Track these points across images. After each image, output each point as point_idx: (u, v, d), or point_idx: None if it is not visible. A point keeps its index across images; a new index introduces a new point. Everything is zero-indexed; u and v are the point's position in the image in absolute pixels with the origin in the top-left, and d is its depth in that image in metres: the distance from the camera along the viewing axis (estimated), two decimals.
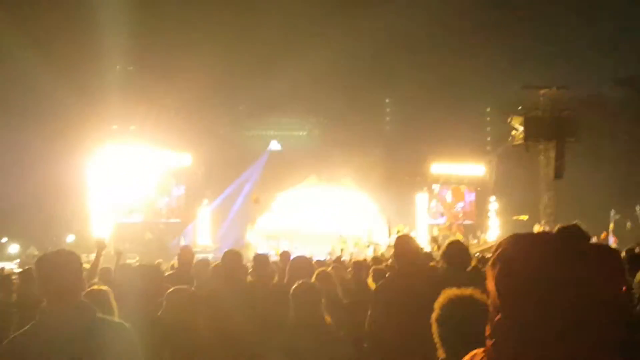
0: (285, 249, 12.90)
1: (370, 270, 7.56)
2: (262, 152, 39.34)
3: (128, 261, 15.79)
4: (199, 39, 33.54)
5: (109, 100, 30.58)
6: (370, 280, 7.11)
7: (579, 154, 33.09)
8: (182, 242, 30.05)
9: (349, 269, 9.07)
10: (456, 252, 4.98)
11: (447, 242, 5.39)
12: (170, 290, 4.70)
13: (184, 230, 33.41)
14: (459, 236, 25.46)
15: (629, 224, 30.01)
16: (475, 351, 1.63)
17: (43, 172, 30.09)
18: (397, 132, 40.97)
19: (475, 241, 33.86)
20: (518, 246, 1.46)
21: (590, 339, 1.32)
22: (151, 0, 35.59)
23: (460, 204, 40.00)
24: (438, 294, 2.89)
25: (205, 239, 33.79)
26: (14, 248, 30.43)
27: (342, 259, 13.67)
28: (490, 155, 39.44)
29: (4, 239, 30.63)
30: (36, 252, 25.56)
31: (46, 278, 3.09)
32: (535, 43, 37.99)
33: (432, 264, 6.43)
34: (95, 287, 4.27)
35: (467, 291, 2.85)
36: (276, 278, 6.78)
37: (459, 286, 4.26)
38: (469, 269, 4.92)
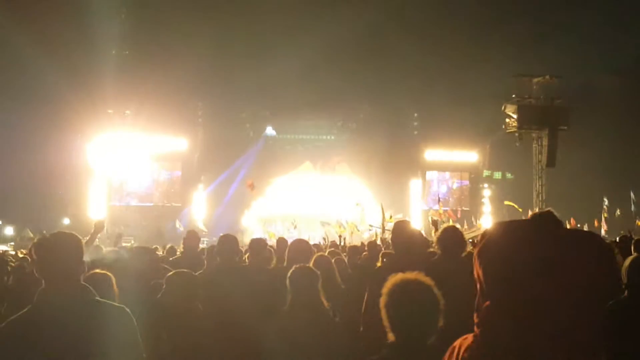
0: (280, 234, 12.96)
1: (381, 255, 7.51)
2: (258, 137, 39.22)
3: (124, 244, 15.89)
4: (195, 23, 33.29)
5: (104, 85, 30.40)
6: (380, 264, 7.05)
7: (571, 142, 33.18)
8: (178, 226, 30.11)
9: (345, 254, 9.16)
10: (451, 238, 4.98)
11: (441, 228, 5.41)
12: (171, 273, 4.68)
13: (180, 214, 33.41)
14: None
15: (618, 211, 30.20)
16: (466, 336, 1.65)
17: (38, 156, 30.00)
18: (391, 118, 40.90)
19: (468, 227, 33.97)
20: (499, 234, 1.53)
21: (572, 320, 1.39)
22: None
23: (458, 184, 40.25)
24: (434, 279, 2.92)
25: (200, 223, 33.81)
26: (9, 230, 30.41)
27: (339, 244, 13.75)
28: (484, 142, 39.50)
29: None
30: (31, 235, 25.58)
31: (45, 260, 3.03)
32: (529, 31, 37.88)
33: (430, 249, 6.45)
34: (98, 271, 4.28)
35: (413, 275, 2.88)
36: (274, 261, 6.76)
37: (454, 272, 4.37)
38: (463, 254, 4.95)
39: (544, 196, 35.33)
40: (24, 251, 12.85)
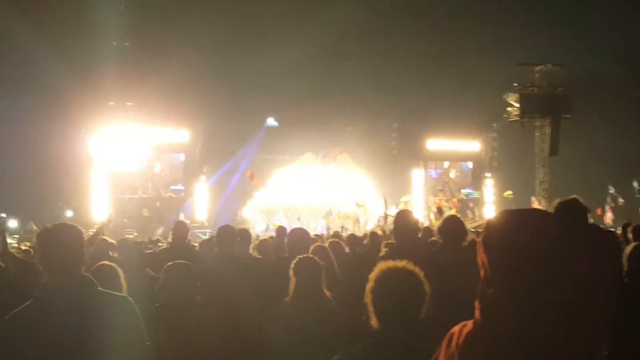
0: (282, 225, 12.94)
1: (383, 244, 7.47)
2: (260, 128, 39.17)
3: (126, 236, 15.93)
4: (196, 14, 33.26)
5: (105, 76, 30.39)
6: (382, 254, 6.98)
7: (574, 131, 33.14)
8: (182, 218, 30.15)
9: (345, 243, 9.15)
10: (452, 227, 4.97)
11: (443, 217, 5.40)
12: (169, 264, 4.66)
13: (183, 206, 33.45)
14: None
15: (621, 200, 30.19)
16: (465, 322, 1.67)
17: (40, 148, 30.03)
18: (392, 108, 40.84)
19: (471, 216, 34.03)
20: (504, 222, 1.53)
21: (574, 308, 1.40)
22: None
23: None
24: (435, 268, 2.93)
25: (202, 214, 33.84)
26: (12, 223, 30.45)
27: (340, 234, 13.75)
28: (486, 131, 39.45)
29: (3, 214, 30.62)
30: (35, 228, 25.64)
31: (48, 252, 3.05)
32: (531, 19, 37.80)
33: (433, 238, 6.43)
34: (106, 262, 4.27)
35: (401, 263, 2.91)
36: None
37: (455, 260, 4.38)
38: (465, 243, 4.95)
39: (546, 185, 35.33)
40: (28, 244, 12.88)
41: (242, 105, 38.08)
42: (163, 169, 36.31)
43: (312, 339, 3.93)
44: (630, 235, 7.32)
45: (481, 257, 1.55)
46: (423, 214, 33.34)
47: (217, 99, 36.07)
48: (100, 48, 30.86)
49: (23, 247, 11.77)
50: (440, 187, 38.95)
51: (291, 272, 4.21)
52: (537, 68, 34.36)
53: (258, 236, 13.50)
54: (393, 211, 16.28)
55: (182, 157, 36.41)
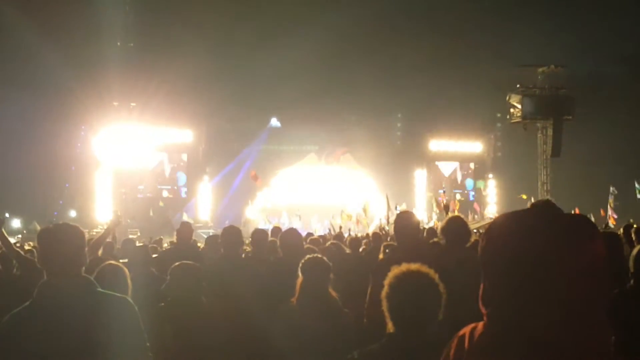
0: (285, 225, 12.92)
1: (382, 246, 7.46)
2: (263, 129, 39.17)
3: (130, 236, 15.97)
4: (199, 15, 33.29)
5: (110, 77, 30.46)
6: (381, 257, 6.96)
7: (576, 132, 33.12)
8: (185, 218, 30.17)
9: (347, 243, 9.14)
10: (455, 228, 4.94)
11: (446, 218, 5.38)
12: (175, 265, 4.63)
13: (186, 206, 33.49)
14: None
15: (617, 202, 30.15)
16: (474, 324, 1.66)
17: (45, 149, 30.08)
18: (396, 110, 40.91)
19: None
20: (504, 223, 1.55)
21: (579, 305, 1.41)
22: None
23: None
24: (438, 270, 2.92)
25: (205, 214, 33.87)
26: (16, 223, 30.48)
27: (344, 235, 13.71)
28: (489, 132, 39.44)
29: (6, 214, 30.68)
30: (38, 228, 25.63)
31: (48, 251, 3.04)
32: (534, 21, 37.81)
33: (436, 239, 6.41)
34: (112, 262, 4.27)
35: (414, 267, 2.88)
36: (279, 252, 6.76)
37: (459, 262, 4.39)
38: (468, 244, 4.93)
39: (549, 186, 35.30)
40: (31, 243, 12.87)
41: (245, 105, 38.10)
42: (166, 169, 36.34)
43: (318, 338, 3.93)
44: (633, 237, 7.32)
45: (483, 258, 1.57)
46: (426, 215, 33.30)
47: (220, 99, 36.12)
48: (105, 49, 30.96)
49: (27, 247, 11.79)
50: (442, 189, 38.91)
51: (300, 272, 4.18)
52: (540, 69, 34.34)
53: None
54: (396, 211, 16.27)
55: (185, 157, 36.44)
